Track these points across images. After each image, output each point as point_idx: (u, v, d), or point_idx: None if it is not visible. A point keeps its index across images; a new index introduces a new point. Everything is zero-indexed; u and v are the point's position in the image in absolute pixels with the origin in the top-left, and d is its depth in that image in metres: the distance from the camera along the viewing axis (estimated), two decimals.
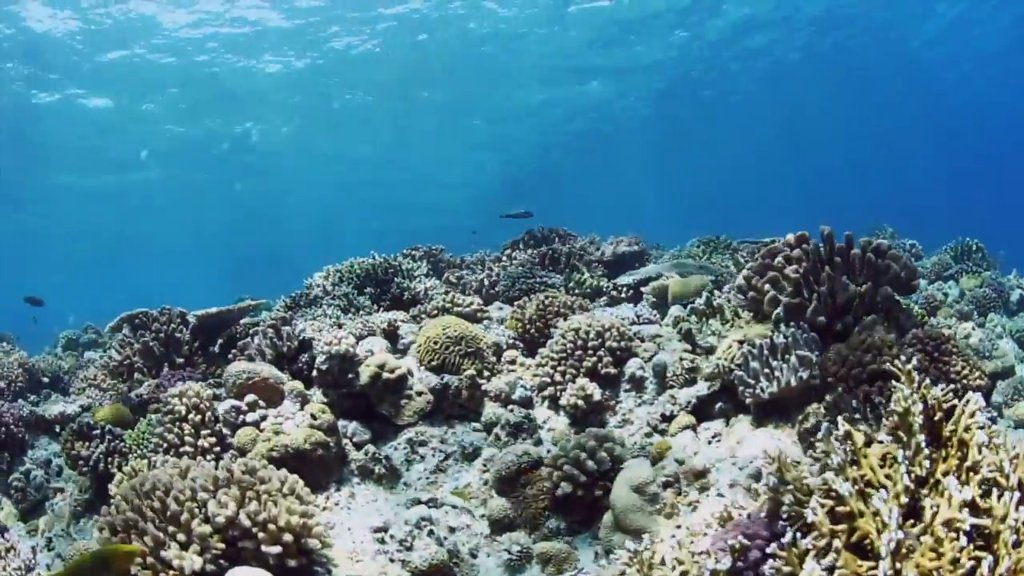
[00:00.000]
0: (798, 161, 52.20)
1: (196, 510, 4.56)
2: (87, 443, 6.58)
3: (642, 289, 8.90)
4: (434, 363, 6.76)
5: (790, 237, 5.94)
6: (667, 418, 5.94)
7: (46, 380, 9.52)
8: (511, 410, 6.32)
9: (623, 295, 9.20)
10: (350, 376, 6.64)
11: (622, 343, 6.49)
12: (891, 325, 5.53)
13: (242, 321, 8.37)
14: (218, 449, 6.04)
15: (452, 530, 5.43)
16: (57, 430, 8.15)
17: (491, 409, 6.41)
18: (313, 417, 6.18)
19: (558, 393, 6.33)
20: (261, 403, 6.35)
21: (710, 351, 6.20)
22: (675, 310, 7.26)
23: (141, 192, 38.78)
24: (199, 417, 6.06)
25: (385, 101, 31.32)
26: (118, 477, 5.75)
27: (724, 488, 4.85)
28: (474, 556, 5.26)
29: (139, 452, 6.29)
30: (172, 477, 4.86)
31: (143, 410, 7.20)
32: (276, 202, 46.40)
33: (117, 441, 6.48)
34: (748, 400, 5.35)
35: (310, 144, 35.66)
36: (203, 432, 6.03)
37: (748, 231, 12.55)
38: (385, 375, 6.53)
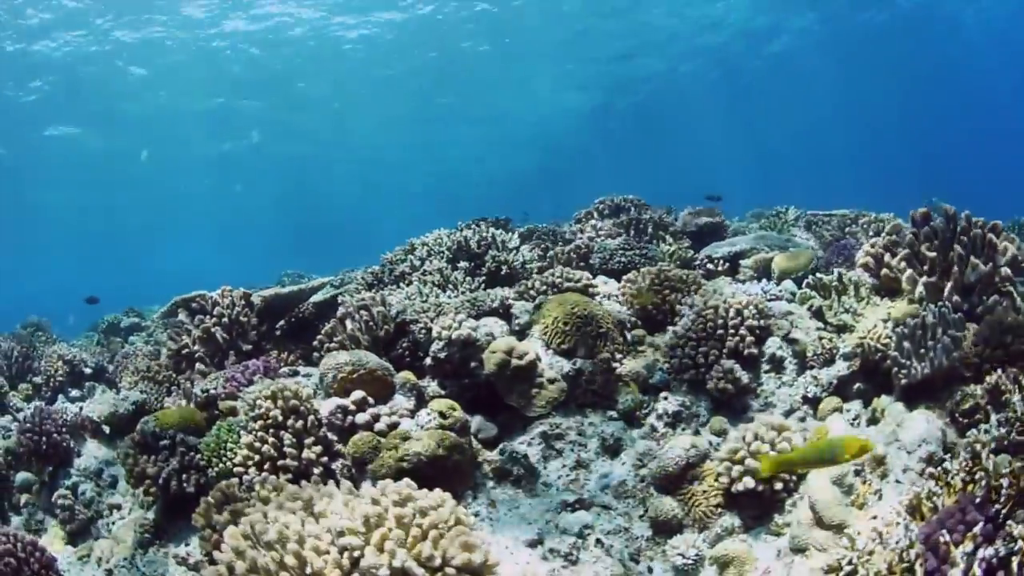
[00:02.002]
0: (844, 133, 48.81)
1: (345, 562, 3.07)
2: (153, 456, 5.02)
3: (741, 263, 7.63)
4: (564, 346, 5.52)
5: (915, 214, 5.47)
6: (808, 400, 5.19)
7: (88, 371, 7.90)
8: (665, 397, 5.32)
9: (718, 268, 7.85)
10: (472, 364, 5.19)
11: (761, 321, 5.52)
12: (1010, 305, 5.08)
13: (308, 301, 6.84)
14: (325, 460, 4.51)
15: (608, 534, 4.53)
16: (107, 431, 6.59)
17: (628, 395, 5.32)
18: (442, 416, 4.77)
19: (700, 376, 5.34)
20: (370, 400, 4.84)
21: (841, 329, 5.51)
22: (788, 285, 6.41)
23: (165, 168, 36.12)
24: (300, 423, 4.50)
25: (439, 61, 28.19)
26: (203, 505, 4.20)
27: (899, 474, 4.24)
28: (635, 562, 4.42)
29: (221, 466, 4.73)
30: (298, 515, 3.35)
31: (210, 408, 5.64)
32: (315, 175, 42.94)
33: (192, 454, 4.90)
34: (903, 381, 4.73)
35: (357, 114, 32.69)
36: (307, 441, 4.48)
37: (797, 203, 11.08)
38: (514, 361, 5.20)
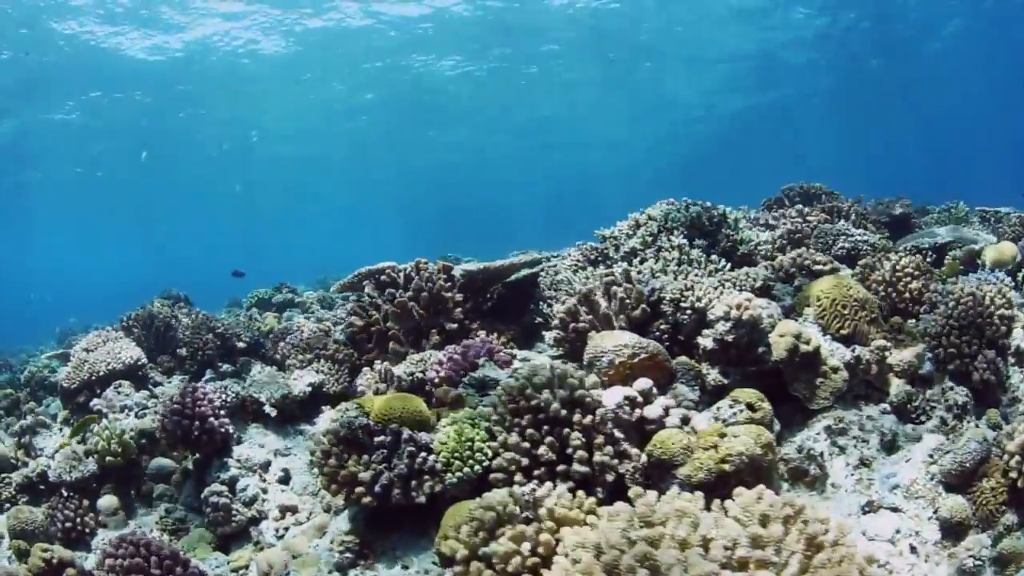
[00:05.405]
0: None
1: None
2: (365, 456, 3.84)
3: (952, 253, 6.95)
4: (843, 331, 4.78)
5: None
6: None
7: (242, 345, 6.77)
8: (950, 388, 4.64)
9: (925, 259, 6.93)
10: (761, 349, 4.02)
11: (1009, 311, 5.01)
12: None
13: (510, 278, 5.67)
14: (615, 463, 3.30)
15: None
16: (273, 415, 5.47)
17: (899, 386, 4.62)
18: (751, 408, 3.72)
19: (965, 366, 4.75)
20: (654, 390, 3.65)
21: None
22: (1002, 277, 5.88)
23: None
24: (588, 418, 3.30)
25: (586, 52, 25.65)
26: (464, 527, 2.99)
27: None
28: None
29: (465, 471, 3.55)
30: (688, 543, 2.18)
31: (415, 394, 4.47)
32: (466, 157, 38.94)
33: (425, 455, 3.72)
34: None
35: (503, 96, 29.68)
36: (596, 440, 3.27)
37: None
38: (802, 347, 4.21)
